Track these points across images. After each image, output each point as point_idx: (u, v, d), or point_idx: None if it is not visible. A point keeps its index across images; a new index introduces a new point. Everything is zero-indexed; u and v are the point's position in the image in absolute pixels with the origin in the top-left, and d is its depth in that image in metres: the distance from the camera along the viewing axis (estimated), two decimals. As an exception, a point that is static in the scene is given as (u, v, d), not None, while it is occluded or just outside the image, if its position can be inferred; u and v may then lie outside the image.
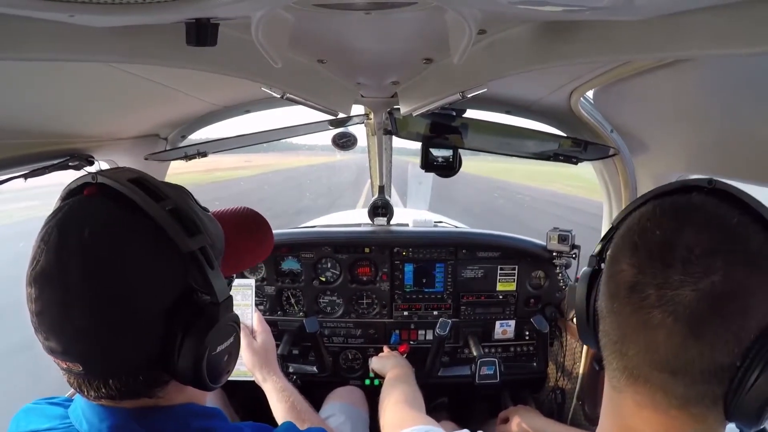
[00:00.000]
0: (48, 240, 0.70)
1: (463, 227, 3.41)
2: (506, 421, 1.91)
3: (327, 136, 2.38)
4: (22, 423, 0.85)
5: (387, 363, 1.96)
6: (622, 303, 0.70)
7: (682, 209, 0.70)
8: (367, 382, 2.41)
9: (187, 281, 0.76)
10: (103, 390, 0.73)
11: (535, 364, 2.46)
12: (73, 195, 0.78)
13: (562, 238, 2.24)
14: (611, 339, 0.73)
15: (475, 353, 2.31)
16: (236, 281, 1.73)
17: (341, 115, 1.77)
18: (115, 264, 0.70)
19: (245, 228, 1.09)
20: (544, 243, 2.35)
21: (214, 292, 0.77)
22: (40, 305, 0.68)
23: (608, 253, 0.76)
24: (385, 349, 2.26)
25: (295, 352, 2.43)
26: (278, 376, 1.52)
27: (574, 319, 0.91)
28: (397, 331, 2.46)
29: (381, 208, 2.58)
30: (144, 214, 0.73)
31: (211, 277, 0.77)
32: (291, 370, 2.33)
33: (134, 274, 0.71)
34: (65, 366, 0.71)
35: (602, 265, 0.82)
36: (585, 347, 2.18)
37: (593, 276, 0.87)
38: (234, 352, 0.85)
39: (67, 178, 0.93)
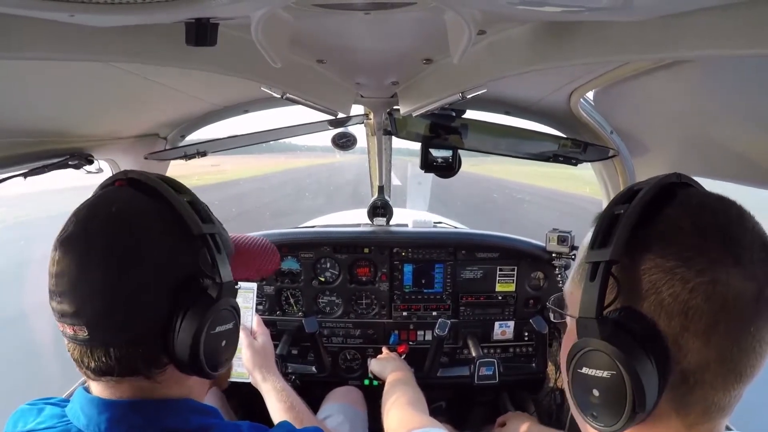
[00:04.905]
0: (79, 214, 0.79)
1: (462, 228, 3.40)
2: (503, 425, 1.91)
3: (327, 137, 2.38)
4: (20, 423, 0.84)
5: (386, 366, 1.95)
6: (747, 321, 0.61)
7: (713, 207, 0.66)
8: (366, 382, 2.40)
9: (197, 265, 0.82)
10: (104, 360, 0.75)
11: (534, 365, 2.45)
12: (104, 188, 0.86)
13: (562, 239, 2.23)
14: (717, 372, 0.62)
15: (474, 354, 2.30)
16: (239, 284, 1.74)
17: (341, 115, 1.77)
18: (134, 234, 0.77)
19: (256, 247, 1.19)
20: (543, 244, 2.35)
21: (218, 272, 0.82)
22: (61, 266, 0.74)
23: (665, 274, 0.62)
24: (384, 349, 2.25)
25: (294, 352, 2.42)
26: (277, 377, 1.53)
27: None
28: (396, 332, 2.45)
29: (380, 209, 2.57)
30: (166, 201, 0.81)
31: (218, 259, 0.82)
32: (290, 370, 2.32)
33: (149, 246, 0.78)
34: (71, 332, 0.74)
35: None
36: None
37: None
38: (232, 340, 0.89)
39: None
